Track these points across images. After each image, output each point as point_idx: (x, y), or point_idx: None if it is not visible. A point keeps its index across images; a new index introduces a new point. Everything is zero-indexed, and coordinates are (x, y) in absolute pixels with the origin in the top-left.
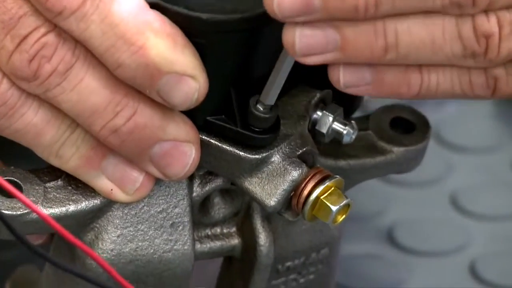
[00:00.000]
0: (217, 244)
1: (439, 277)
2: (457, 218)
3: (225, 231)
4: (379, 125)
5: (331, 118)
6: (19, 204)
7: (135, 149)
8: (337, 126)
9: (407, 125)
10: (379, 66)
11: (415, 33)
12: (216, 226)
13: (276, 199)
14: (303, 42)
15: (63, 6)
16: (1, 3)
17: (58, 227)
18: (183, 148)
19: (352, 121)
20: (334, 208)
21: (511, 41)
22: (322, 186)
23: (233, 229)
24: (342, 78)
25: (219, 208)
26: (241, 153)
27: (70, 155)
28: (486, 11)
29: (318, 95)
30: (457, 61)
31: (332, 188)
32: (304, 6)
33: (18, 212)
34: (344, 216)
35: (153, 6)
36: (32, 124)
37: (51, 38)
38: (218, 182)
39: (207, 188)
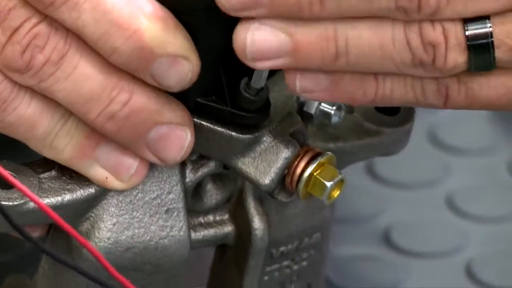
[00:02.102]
0: (210, 232)
1: (436, 279)
2: (453, 220)
3: (217, 218)
4: (365, 108)
5: None
6: (15, 195)
7: (132, 134)
8: (325, 107)
9: (391, 109)
10: (335, 73)
11: (365, 39)
12: (208, 213)
13: (270, 178)
14: (254, 47)
15: None
16: None
17: (55, 215)
18: (178, 131)
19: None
20: (328, 183)
21: (457, 53)
22: (315, 162)
23: (226, 216)
24: (299, 83)
25: (212, 195)
26: (233, 133)
27: (64, 145)
28: (432, 20)
29: None
30: (407, 70)
31: (325, 165)
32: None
33: (15, 203)
34: (338, 192)
35: None
36: (26, 117)
37: (42, 28)
38: (210, 167)
39: (199, 173)
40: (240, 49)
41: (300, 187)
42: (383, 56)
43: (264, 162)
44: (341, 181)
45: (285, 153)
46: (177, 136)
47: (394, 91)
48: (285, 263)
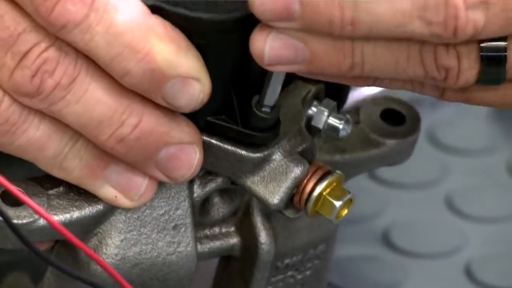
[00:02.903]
0: (216, 244)
1: (435, 279)
2: (452, 220)
3: (223, 230)
4: (370, 118)
5: (326, 113)
6: (24, 213)
7: (142, 155)
8: (333, 121)
9: (397, 117)
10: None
11: (380, 56)
12: (214, 226)
13: (279, 197)
14: (272, 53)
15: (67, 20)
16: None
17: (67, 232)
18: (188, 150)
19: (347, 115)
20: (337, 203)
21: (469, 73)
22: (325, 182)
23: (232, 228)
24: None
25: (218, 208)
26: (243, 152)
27: (73, 166)
28: (447, 44)
29: (313, 89)
30: (418, 80)
31: (334, 184)
32: (284, 11)
33: (24, 221)
34: (346, 211)
35: (153, 8)
36: (35, 140)
37: (52, 52)
38: (218, 182)
39: (207, 189)
40: (258, 54)
41: (309, 206)
42: (396, 70)
43: (274, 182)
44: (350, 200)
45: (295, 173)
46: (187, 155)
47: (391, 86)
48: (290, 273)
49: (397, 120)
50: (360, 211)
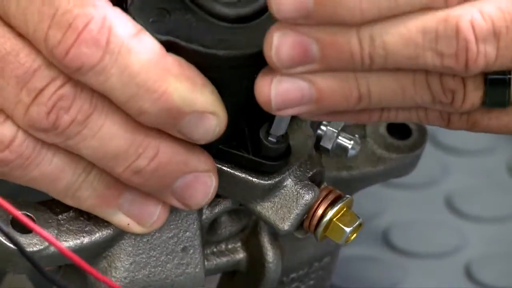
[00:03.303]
0: (223, 260)
1: (435, 279)
2: (452, 220)
3: (230, 246)
4: (377, 131)
5: (335, 134)
6: (35, 240)
7: (158, 185)
8: (342, 140)
9: (403, 129)
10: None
11: (386, 84)
12: (221, 242)
13: (289, 223)
14: (279, 98)
15: (82, 63)
16: (14, 58)
17: (78, 259)
18: (204, 178)
19: (356, 135)
20: (347, 229)
21: (474, 96)
22: (335, 208)
23: (238, 244)
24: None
25: (226, 227)
26: (254, 179)
27: (86, 196)
28: None
29: None
30: (426, 105)
31: (344, 209)
32: (302, 55)
33: (35, 249)
34: (355, 235)
35: (168, 43)
36: (48, 172)
37: (67, 89)
38: (226, 204)
39: (216, 211)
40: (265, 101)
41: (319, 231)
42: (404, 97)
43: (284, 208)
44: (359, 225)
45: (305, 200)
46: (203, 183)
47: (398, 118)
48: (294, 285)
49: (403, 132)
50: (360, 211)
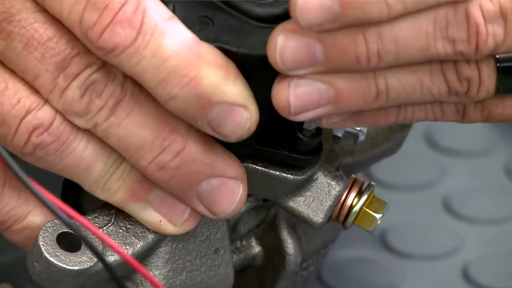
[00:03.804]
0: (240, 256)
1: (432, 281)
2: (450, 222)
3: (244, 242)
4: None
5: None
6: (84, 257)
7: (182, 185)
8: (352, 128)
9: None
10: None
11: (404, 80)
12: (236, 239)
13: (323, 215)
14: (298, 102)
15: (115, 44)
16: (55, 45)
17: (144, 270)
18: (230, 185)
19: None
20: (378, 216)
21: (489, 83)
22: (364, 196)
23: (252, 239)
24: (325, 120)
25: (245, 223)
26: (288, 175)
27: (117, 188)
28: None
29: None
30: (441, 98)
31: (372, 196)
32: (306, 58)
33: (84, 266)
34: (381, 220)
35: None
36: (82, 159)
37: (101, 74)
38: (251, 202)
39: (242, 210)
40: (284, 107)
41: (349, 220)
42: (422, 91)
43: (317, 200)
44: (386, 209)
45: (337, 190)
46: (229, 190)
47: (414, 116)
48: (300, 273)
49: None
50: None
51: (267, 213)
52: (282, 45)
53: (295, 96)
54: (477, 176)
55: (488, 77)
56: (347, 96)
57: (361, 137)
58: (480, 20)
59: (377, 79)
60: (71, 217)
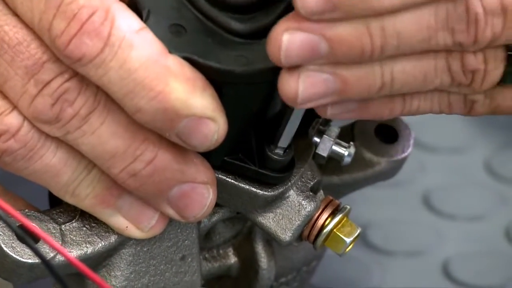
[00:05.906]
0: (215, 265)
1: (413, 277)
2: (429, 218)
3: (221, 251)
4: (364, 135)
5: (331, 142)
6: (41, 251)
7: (154, 191)
8: (338, 148)
9: (389, 132)
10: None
11: (409, 71)
12: (213, 248)
13: (291, 234)
14: (306, 93)
15: (82, 54)
16: (25, 49)
17: (86, 269)
18: (201, 189)
19: (351, 142)
20: (348, 240)
21: (494, 75)
22: (336, 218)
23: (230, 249)
24: (330, 111)
25: (220, 233)
26: (258, 190)
27: (86, 194)
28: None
29: (319, 121)
30: (443, 88)
31: (344, 219)
32: (311, 52)
33: (39, 260)
34: (352, 245)
35: (186, 61)
36: (50, 165)
37: (74, 83)
38: (224, 212)
39: (214, 219)
40: (292, 96)
41: (319, 241)
42: (425, 82)
43: (286, 219)
44: (358, 235)
45: (308, 211)
46: (199, 195)
47: (420, 107)
48: None
49: (390, 135)
50: None
51: (243, 224)
52: (288, 42)
53: (305, 87)
54: (457, 173)
55: (494, 69)
56: (353, 86)
57: (347, 159)
58: (480, 10)
59: (383, 69)
60: None
